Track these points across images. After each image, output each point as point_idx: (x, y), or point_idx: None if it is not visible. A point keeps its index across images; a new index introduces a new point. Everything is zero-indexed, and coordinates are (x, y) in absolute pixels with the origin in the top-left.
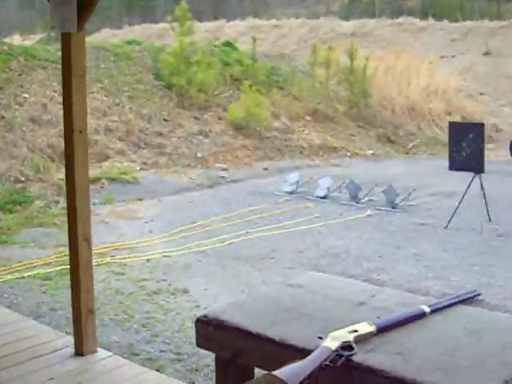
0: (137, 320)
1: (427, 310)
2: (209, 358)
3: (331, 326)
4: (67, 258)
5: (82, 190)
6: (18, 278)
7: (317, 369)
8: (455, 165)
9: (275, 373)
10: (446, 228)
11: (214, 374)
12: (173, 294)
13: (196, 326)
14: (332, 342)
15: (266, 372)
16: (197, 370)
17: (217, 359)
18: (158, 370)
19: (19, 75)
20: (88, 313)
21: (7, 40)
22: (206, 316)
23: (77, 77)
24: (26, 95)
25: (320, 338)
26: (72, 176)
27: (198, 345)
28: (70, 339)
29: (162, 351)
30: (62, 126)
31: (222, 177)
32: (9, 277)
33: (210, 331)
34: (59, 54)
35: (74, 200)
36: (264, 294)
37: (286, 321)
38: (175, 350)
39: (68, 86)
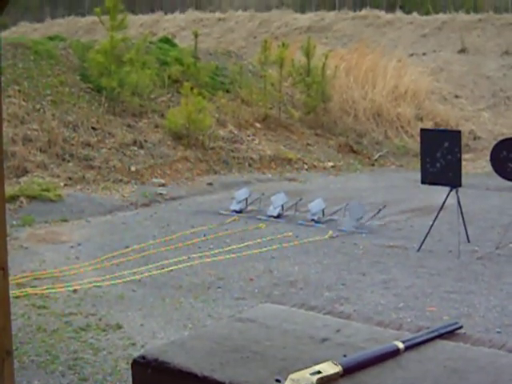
0: (62, 361)
1: (401, 346)
2: None
3: (290, 366)
4: None
5: None
6: None
7: None
8: (428, 178)
9: None
10: (418, 250)
11: None
12: (104, 330)
13: (132, 369)
14: None
15: None
16: None
17: None
18: None
19: None
20: (5, 355)
21: None
22: (143, 357)
23: None
24: None
25: (277, 381)
26: None
27: None
28: None
29: None
30: None
31: (160, 193)
32: None
33: (149, 374)
34: None
35: None
36: (211, 330)
37: (237, 361)
38: None
39: None
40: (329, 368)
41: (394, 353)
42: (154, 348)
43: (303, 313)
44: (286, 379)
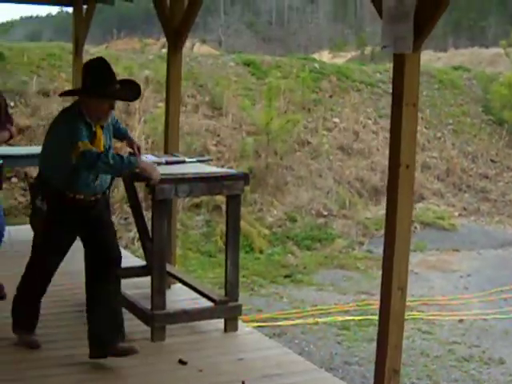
0: None
1: None
2: None
3: None
4: (370, 307)
5: (403, 232)
6: (311, 323)
7: None
8: None
9: None
10: None
11: None
12: (486, 363)
13: None
14: None
15: None
16: None
17: None
18: None
19: (330, 97)
20: (392, 373)
21: (315, 56)
22: None
23: (409, 106)
24: (337, 120)
25: None
26: (393, 216)
27: None
28: None
29: None
30: (374, 158)
31: None
32: (301, 321)
33: None
34: (377, 76)
35: (393, 243)
36: None
37: None
38: None
39: (398, 114)
40: None
41: None
42: None
43: None
44: None
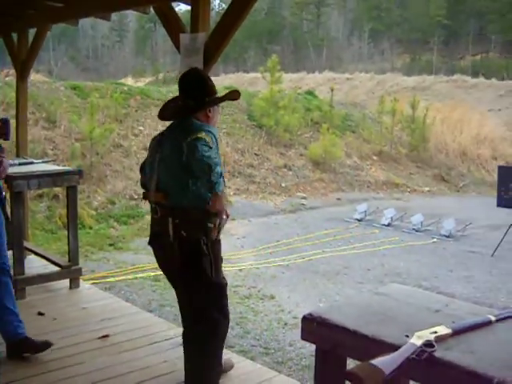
0: (232, 319)
1: (493, 318)
2: (293, 353)
3: (413, 327)
4: None
5: None
6: (132, 278)
7: (405, 361)
8: (502, 202)
9: (373, 361)
10: (492, 256)
11: (296, 366)
12: (261, 298)
13: (302, 323)
14: (417, 340)
15: (365, 361)
16: (282, 362)
17: (317, 350)
18: (251, 360)
19: (136, 111)
20: None
21: (123, 81)
22: (310, 315)
23: None
24: (141, 128)
25: (407, 336)
26: None
27: (303, 338)
28: (180, 330)
29: (252, 346)
30: None
31: (302, 204)
32: (124, 277)
33: (314, 327)
34: (170, 94)
35: None
36: (357, 300)
37: (376, 322)
38: (264, 345)
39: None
40: (442, 330)
41: (488, 323)
42: (318, 309)
43: (420, 291)
44: (413, 335)
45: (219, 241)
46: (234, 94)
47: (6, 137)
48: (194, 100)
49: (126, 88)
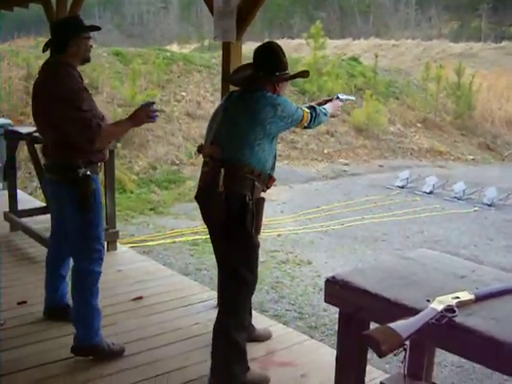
0: (268, 283)
1: None
2: (326, 318)
3: (437, 292)
4: None
5: None
6: (170, 242)
7: (424, 325)
8: None
9: (391, 325)
10: None
11: (329, 331)
12: (298, 264)
13: (325, 285)
14: (438, 305)
15: (384, 325)
16: (315, 327)
17: (340, 313)
18: (284, 324)
19: (178, 77)
20: None
21: (167, 47)
22: (334, 277)
23: None
24: (184, 94)
25: (428, 300)
26: None
27: (326, 300)
28: (214, 293)
29: (287, 310)
30: None
31: (344, 170)
32: (163, 241)
33: (337, 290)
34: (213, 60)
35: None
36: (382, 263)
37: (400, 285)
38: (298, 310)
39: (225, 87)
40: (465, 295)
41: None
42: (342, 272)
43: (449, 257)
44: (434, 300)
45: (263, 200)
46: (304, 74)
47: (153, 119)
48: (265, 72)
49: (168, 54)
